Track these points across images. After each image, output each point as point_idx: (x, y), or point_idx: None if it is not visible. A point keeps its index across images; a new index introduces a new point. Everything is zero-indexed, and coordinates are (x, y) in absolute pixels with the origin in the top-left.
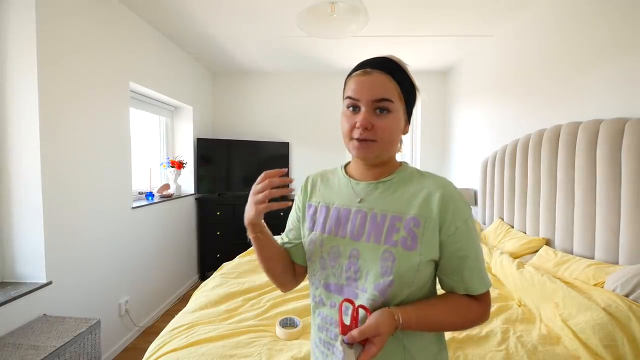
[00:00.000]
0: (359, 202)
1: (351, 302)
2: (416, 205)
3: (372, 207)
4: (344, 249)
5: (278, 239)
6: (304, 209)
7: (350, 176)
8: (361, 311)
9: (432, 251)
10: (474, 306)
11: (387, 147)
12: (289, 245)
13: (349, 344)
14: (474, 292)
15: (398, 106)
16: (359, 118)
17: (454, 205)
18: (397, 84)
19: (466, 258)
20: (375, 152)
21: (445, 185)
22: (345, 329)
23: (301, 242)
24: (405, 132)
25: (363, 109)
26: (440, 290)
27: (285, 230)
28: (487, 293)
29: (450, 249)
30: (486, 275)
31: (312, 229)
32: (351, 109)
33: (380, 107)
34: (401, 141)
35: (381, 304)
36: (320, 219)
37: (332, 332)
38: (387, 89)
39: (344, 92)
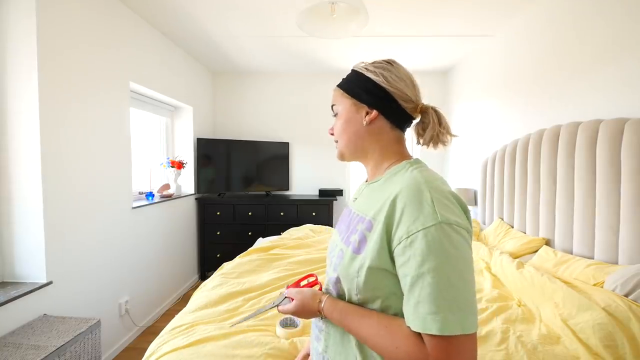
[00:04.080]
0: (353, 201)
1: (314, 276)
2: (376, 207)
3: (357, 207)
4: (336, 244)
5: None
6: None
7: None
8: (317, 286)
9: (379, 259)
10: (413, 344)
11: (345, 142)
12: None
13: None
14: (409, 325)
15: (343, 104)
16: None
17: (402, 209)
18: (338, 87)
19: (406, 278)
20: (339, 150)
21: (408, 183)
22: (291, 286)
23: None
24: (369, 120)
25: None
26: None
27: None
28: (442, 342)
29: (396, 264)
30: (434, 315)
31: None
32: None
33: (333, 114)
34: (419, 132)
35: (335, 297)
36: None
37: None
38: (333, 97)
39: None
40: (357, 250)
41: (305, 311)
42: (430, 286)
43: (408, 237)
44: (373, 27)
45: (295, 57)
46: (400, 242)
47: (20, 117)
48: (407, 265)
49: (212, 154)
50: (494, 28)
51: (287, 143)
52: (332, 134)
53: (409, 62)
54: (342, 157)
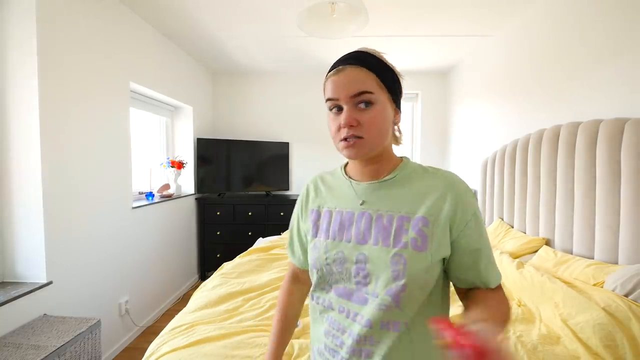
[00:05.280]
0: (362, 204)
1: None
2: (426, 204)
3: (377, 209)
4: (349, 254)
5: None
6: (306, 216)
7: (350, 177)
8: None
9: (442, 250)
10: (503, 298)
11: (377, 141)
12: (303, 260)
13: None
14: (491, 285)
15: (380, 96)
16: (342, 117)
17: (462, 202)
18: (374, 73)
19: (480, 251)
20: (366, 149)
21: (454, 182)
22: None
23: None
24: (396, 121)
25: (345, 107)
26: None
27: (294, 249)
28: (500, 285)
29: (463, 245)
30: (497, 267)
31: (315, 235)
32: (334, 110)
33: (361, 100)
34: (399, 131)
35: (394, 309)
36: (323, 224)
37: (338, 339)
38: (364, 81)
39: (324, 95)
40: (421, 248)
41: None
42: (491, 249)
43: (472, 219)
44: (373, 27)
45: (295, 57)
46: (467, 224)
47: (20, 117)
48: (479, 240)
49: (212, 154)
50: (493, 28)
51: (287, 143)
52: (352, 126)
53: (409, 62)
54: (364, 154)
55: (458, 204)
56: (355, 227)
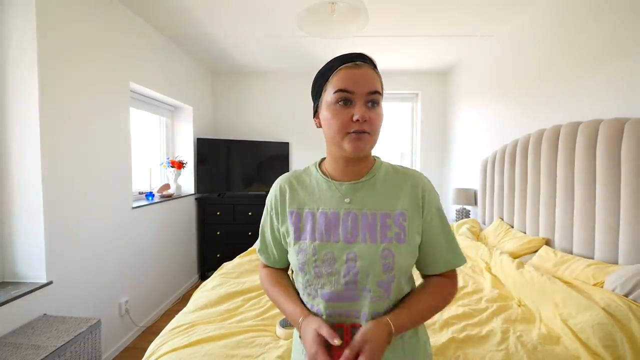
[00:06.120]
0: (348, 202)
1: (342, 325)
2: (402, 200)
3: (362, 207)
4: (339, 254)
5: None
6: (283, 217)
7: (328, 176)
8: (354, 329)
9: (416, 239)
10: (448, 284)
11: (376, 140)
12: (279, 261)
13: None
14: (456, 266)
15: (380, 95)
16: (357, 110)
17: (429, 195)
18: (379, 78)
19: (442, 240)
20: (369, 146)
21: (422, 179)
22: (338, 352)
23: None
24: None
25: (358, 102)
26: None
27: (269, 252)
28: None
29: (428, 234)
30: (461, 252)
31: (298, 238)
32: (341, 102)
33: (372, 99)
34: None
35: (385, 299)
36: (307, 226)
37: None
38: (376, 82)
39: (323, 86)
40: (402, 240)
41: (383, 350)
42: (452, 242)
43: (436, 210)
44: (373, 27)
45: (295, 57)
46: (432, 217)
47: (20, 117)
48: (442, 228)
49: (212, 154)
50: (493, 28)
51: (287, 143)
52: (366, 121)
53: (409, 62)
54: (367, 151)
55: (426, 199)
56: (342, 227)
